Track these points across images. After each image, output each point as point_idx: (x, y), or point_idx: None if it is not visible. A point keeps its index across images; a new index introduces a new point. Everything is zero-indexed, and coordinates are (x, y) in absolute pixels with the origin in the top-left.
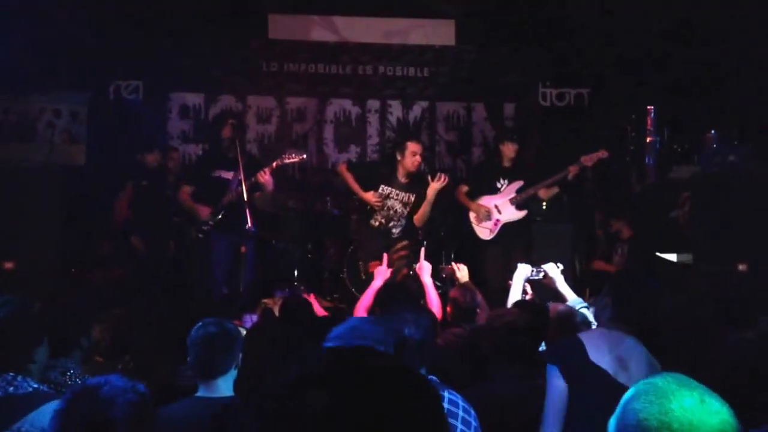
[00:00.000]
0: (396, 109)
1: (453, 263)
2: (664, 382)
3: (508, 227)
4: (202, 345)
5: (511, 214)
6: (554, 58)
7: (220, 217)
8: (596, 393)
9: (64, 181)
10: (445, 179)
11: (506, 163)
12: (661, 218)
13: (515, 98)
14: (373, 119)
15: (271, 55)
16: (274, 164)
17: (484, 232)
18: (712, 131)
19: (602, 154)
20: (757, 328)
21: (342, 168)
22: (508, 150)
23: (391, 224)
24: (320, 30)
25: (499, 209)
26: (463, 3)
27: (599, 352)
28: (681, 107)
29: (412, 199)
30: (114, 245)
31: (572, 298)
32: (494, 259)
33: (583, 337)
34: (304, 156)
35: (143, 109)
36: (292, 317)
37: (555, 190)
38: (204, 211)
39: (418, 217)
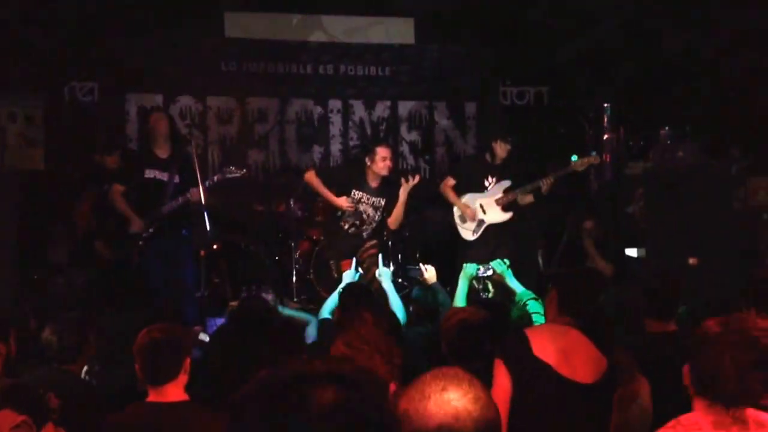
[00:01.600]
0: (358, 109)
1: (421, 264)
2: (425, 375)
3: (492, 228)
4: (148, 352)
5: (496, 215)
6: (514, 58)
7: (153, 227)
8: (538, 385)
9: (20, 186)
10: (417, 179)
11: (496, 161)
12: (618, 213)
13: (476, 97)
14: (336, 119)
15: (229, 54)
16: (216, 178)
17: (467, 233)
18: (666, 128)
19: (594, 159)
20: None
21: (310, 175)
22: (501, 149)
23: (363, 227)
24: (278, 28)
25: (484, 209)
26: (422, 1)
27: (543, 345)
28: (636, 105)
29: (383, 203)
30: (75, 250)
31: (520, 291)
32: (477, 261)
33: (529, 331)
34: (245, 171)
35: (99, 111)
36: (245, 319)
37: (530, 198)
38: (136, 224)
39: (393, 220)
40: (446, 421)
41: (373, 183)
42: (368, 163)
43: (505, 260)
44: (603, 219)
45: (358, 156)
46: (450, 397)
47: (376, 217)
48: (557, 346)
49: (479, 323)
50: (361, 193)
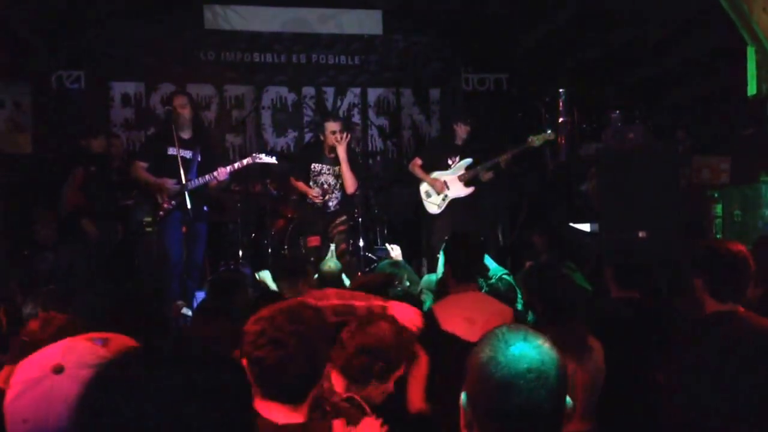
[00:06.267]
0: (330, 96)
1: (387, 244)
2: (499, 328)
3: (455, 203)
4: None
5: (459, 190)
6: (475, 47)
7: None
8: (449, 357)
9: (8, 168)
10: (348, 137)
11: (458, 142)
12: (572, 192)
13: (440, 84)
14: (309, 105)
15: (207, 44)
16: (245, 162)
17: (433, 207)
18: (616, 111)
19: (550, 136)
20: None
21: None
22: (461, 130)
23: (327, 197)
24: (254, 20)
25: (447, 185)
26: None
27: (450, 318)
28: (589, 90)
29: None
30: (63, 229)
31: (494, 267)
32: (441, 233)
33: (437, 307)
34: (275, 160)
35: (85, 98)
36: (219, 293)
37: (491, 175)
38: (168, 183)
39: (346, 182)
40: (534, 364)
41: (330, 154)
42: (322, 138)
43: (481, 237)
44: (558, 197)
45: (315, 133)
46: (532, 344)
47: (338, 185)
48: (463, 315)
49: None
50: (320, 165)
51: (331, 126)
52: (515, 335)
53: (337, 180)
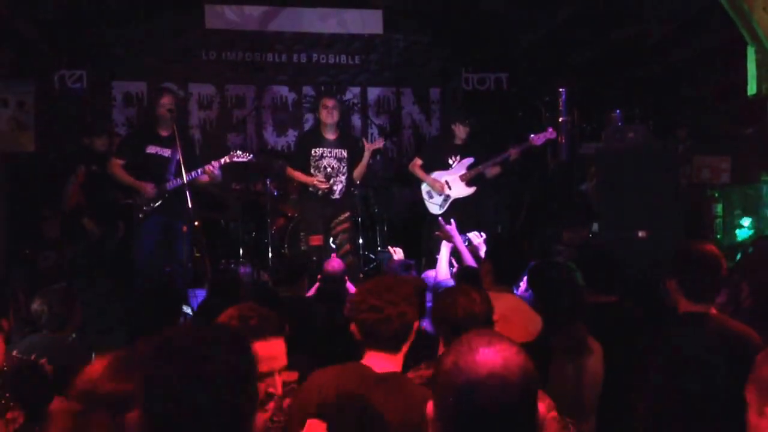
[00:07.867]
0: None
1: (390, 247)
2: (466, 333)
3: (457, 203)
4: None
5: (460, 190)
6: (475, 46)
7: (154, 202)
8: None
9: (12, 167)
10: (380, 143)
11: (457, 142)
12: (572, 191)
13: (440, 83)
14: (309, 104)
15: (209, 44)
16: (223, 161)
17: (434, 207)
18: (617, 111)
19: (551, 134)
20: None
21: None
22: (460, 131)
23: (332, 181)
24: (254, 20)
25: (449, 185)
26: None
27: None
28: (589, 90)
29: (345, 154)
30: (65, 227)
31: None
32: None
33: None
34: (252, 157)
35: (88, 97)
36: (218, 292)
37: (498, 170)
38: (148, 188)
39: (357, 174)
40: (495, 370)
41: (331, 136)
42: (320, 117)
43: (482, 233)
44: (559, 196)
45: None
46: (496, 348)
47: (342, 168)
48: (498, 311)
49: None
50: (320, 149)
51: (326, 101)
52: (480, 340)
53: (340, 163)
